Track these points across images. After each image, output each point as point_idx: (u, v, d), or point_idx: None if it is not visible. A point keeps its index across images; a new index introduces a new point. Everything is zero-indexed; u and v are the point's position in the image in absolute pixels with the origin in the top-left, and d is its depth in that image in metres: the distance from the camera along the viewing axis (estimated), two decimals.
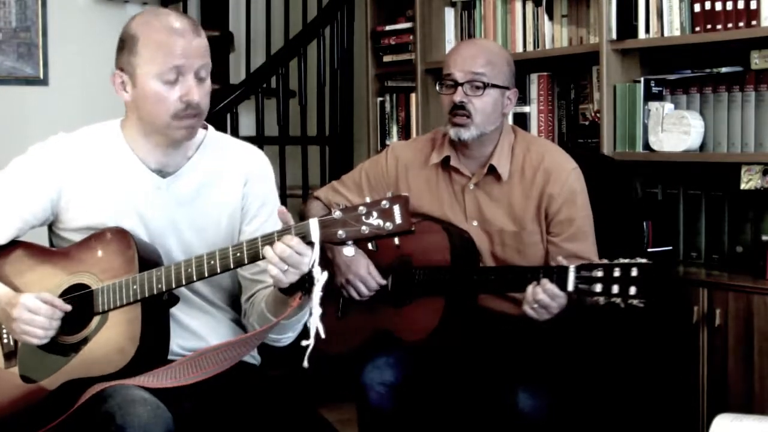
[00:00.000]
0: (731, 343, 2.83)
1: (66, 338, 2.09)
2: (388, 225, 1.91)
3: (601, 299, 2.30)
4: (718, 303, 2.85)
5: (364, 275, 2.65)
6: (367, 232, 1.92)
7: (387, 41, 4.13)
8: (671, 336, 2.95)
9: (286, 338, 2.24)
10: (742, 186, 2.95)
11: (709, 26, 3.03)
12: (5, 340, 2.16)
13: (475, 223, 2.68)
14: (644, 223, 3.20)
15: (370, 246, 2.03)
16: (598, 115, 3.34)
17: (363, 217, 1.91)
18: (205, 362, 2.04)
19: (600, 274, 2.30)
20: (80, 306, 2.09)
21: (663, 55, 3.27)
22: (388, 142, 4.15)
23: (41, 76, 4.47)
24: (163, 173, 2.19)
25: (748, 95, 2.97)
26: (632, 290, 2.25)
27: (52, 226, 2.24)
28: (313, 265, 1.95)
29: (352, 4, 4.40)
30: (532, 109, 3.60)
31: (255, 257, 2.00)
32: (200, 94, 2.10)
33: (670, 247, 2.48)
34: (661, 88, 3.19)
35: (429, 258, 2.61)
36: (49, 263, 2.18)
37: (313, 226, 1.94)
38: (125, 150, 2.19)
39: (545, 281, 2.37)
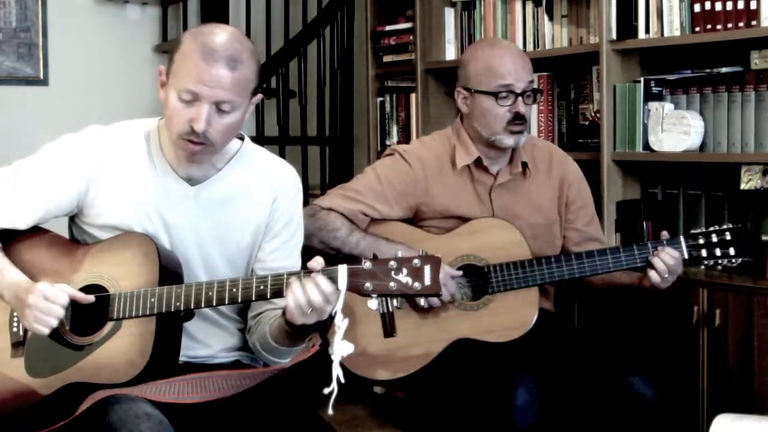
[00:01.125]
0: (731, 343, 2.83)
1: (76, 338, 2.07)
2: (417, 285, 1.89)
3: (710, 262, 2.58)
4: (718, 303, 2.85)
5: (444, 277, 2.51)
6: (394, 289, 1.89)
7: (387, 41, 4.13)
8: (671, 336, 2.96)
9: (283, 361, 2.21)
10: (742, 186, 2.95)
11: (709, 26, 3.03)
12: (14, 329, 2.13)
13: None
14: (644, 223, 3.20)
15: (395, 303, 2.00)
16: (598, 115, 3.34)
17: (393, 272, 1.89)
18: (210, 385, 2.01)
19: (702, 240, 2.57)
20: (96, 308, 2.06)
21: (663, 55, 3.27)
22: (388, 142, 4.15)
23: (41, 76, 4.47)
24: (192, 181, 2.16)
25: (748, 95, 2.97)
26: (731, 251, 2.55)
27: (74, 218, 2.20)
28: (335, 313, 1.92)
29: (352, 4, 4.41)
30: (532, 109, 3.59)
31: (278, 294, 1.98)
32: (212, 125, 2.02)
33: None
34: (661, 88, 3.19)
35: (502, 254, 2.58)
36: (69, 257, 2.14)
37: (342, 273, 1.92)
38: (158, 153, 2.16)
39: (669, 248, 2.54)
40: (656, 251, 2.53)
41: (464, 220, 2.66)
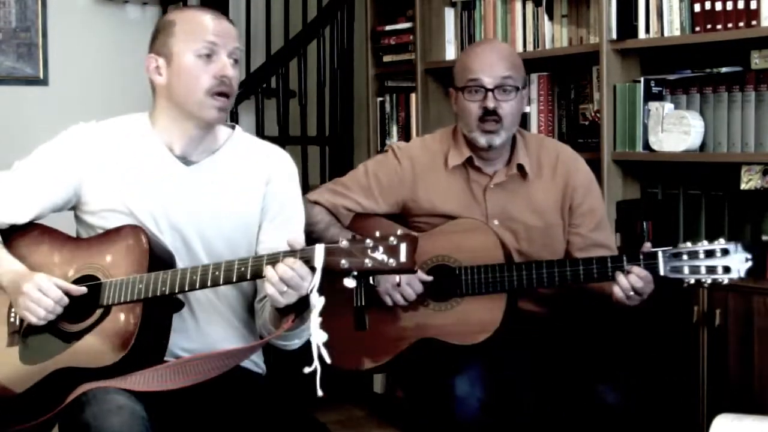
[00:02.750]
0: (731, 343, 2.83)
1: (68, 326, 2.12)
2: (392, 262, 1.91)
3: (691, 280, 2.38)
4: (718, 303, 2.85)
5: (410, 278, 2.56)
6: (370, 265, 1.92)
7: (387, 41, 4.13)
8: (671, 336, 2.96)
9: (293, 344, 2.23)
10: (742, 186, 2.95)
11: (709, 26, 3.03)
12: (11, 319, 2.19)
13: (496, 222, 2.67)
14: (644, 223, 3.20)
15: (371, 280, 2.03)
16: (598, 115, 3.34)
17: (369, 251, 1.92)
18: (192, 369, 2.04)
19: (686, 257, 2.37)
20: (88, 297, 2.12)
21: (663, 55, 3.26)
22: (388, 142, 4.15)
23: (41, 76, 4.47)
24: (187, 161, 2.23)
25: (748, 95, 2.97)
26: (719, 270, 2.35)
27: (76, 211, 2.28)
28: (311, 291, 1.95)
29: (352, 4, 4.41)
30: (532, 109, 3.60)
31: (257, 274, 2.01)
32: (233, 72, 2.18)
33: (671, 247, 2.49)
34: (661, 88, 3.19)
35: (475, 256, 2.57)
36: (64, 251, 2.21)
37: (319, 251, 1.95)
38: (152, 136, 2.24)
39: (637, 268, 2.40)
40: (628, 267, 2.41)
41: (453, 218, 2.66)
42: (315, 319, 1.95)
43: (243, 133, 2.34)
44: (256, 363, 2.31)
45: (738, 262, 2.34)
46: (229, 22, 2.23)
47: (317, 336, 1.95)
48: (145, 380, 2.01)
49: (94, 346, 2.07)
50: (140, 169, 2.21)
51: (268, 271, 1.97)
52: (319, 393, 1.95)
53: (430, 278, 2.59)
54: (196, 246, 2.21)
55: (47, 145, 2.27)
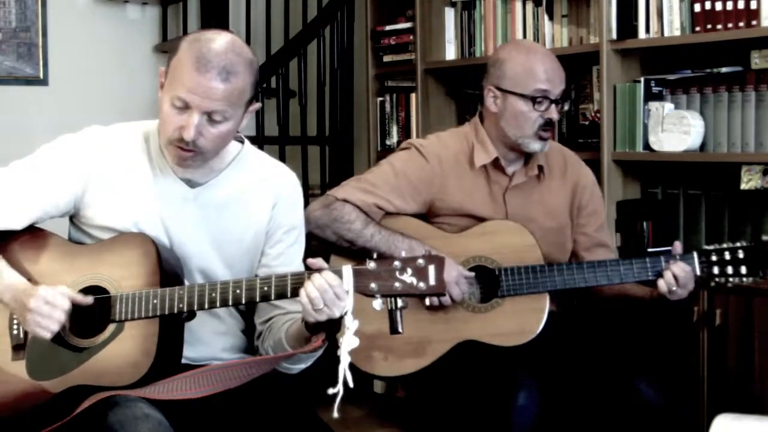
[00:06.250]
0: (731, 343, 2.83)
1: (78, 340, 2.06)
2: (422, 285, 1.90)
3: (721, 280, 2.51)
4: (718, 303, 2.85)
5: (458, 274, 2.53)
6: (399, 289, 1.90)
7: (387, 41, 4.13)
8: (671, 336, 2.95)
9: (297, 368, 2.21)
10: (742, 186, 2.95)
11: (709, 26, 3.03)
12: (14, 332, 2.11)
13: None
14: (644, 223, 3.20)
15: (400, 302, 2.02)
16: (598, 115, 3.34)
17: (397, 272, 1.90)
18: (215, 378, 2.01)
19: (715, 258, 2.50)
20: (97, 310, 2.05)
21: (663, 55, 3.26)
22: (388, 142, 4.15)
23: (41, 76, 4.47)
24: (191, 183, 2.14)
25: (748, 95, 2.97)
26: (743, 269, 2.48)
27: (73, 218, 2.19)
28: (345, 313, 1.92)
29: (352, 4, 4.40)
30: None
31: (282, 295, 1.98)
32: (202, 134, 2.01)
33: (670, 248, 2.51)
34: (661, 88, 3.19)
35: (514, 257, 2.56)
36: (68, 258, 2.12)
37: (347, 274, 1.92)
38: (157, 154, 2.14)
39: (681, 263, 2.48)
40: (668, 264, 2.49)
41: (477, 219, 2.65)
42: (347, 341, 1.91)
43: (251, 149, 2.24)
44: None
45: (762, 262, 2.45)
46: (222, 77, 1.97)
47: (346, 359, 1.91)
48: (166, 389, 1.97)
49: (111, 364, 2.02)
50: (144, 188, 2.12)
51: (308, 286, 1.92)
52: (336, 415, 1.92)
53: (472, 274, 2.56)
54: (194, 269, 2.15)
55: (51, 147, 2.15)
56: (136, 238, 2.08)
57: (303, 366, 2.20)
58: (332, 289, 1.91)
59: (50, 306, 1.98)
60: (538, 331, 2.52)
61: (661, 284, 2.48)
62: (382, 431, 3.59)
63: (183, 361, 2.11)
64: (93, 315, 2.05)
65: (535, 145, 2.64)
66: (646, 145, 3.19)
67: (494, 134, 2.69)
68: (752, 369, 2.78)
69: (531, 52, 2.71)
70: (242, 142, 2.24)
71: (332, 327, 1.97)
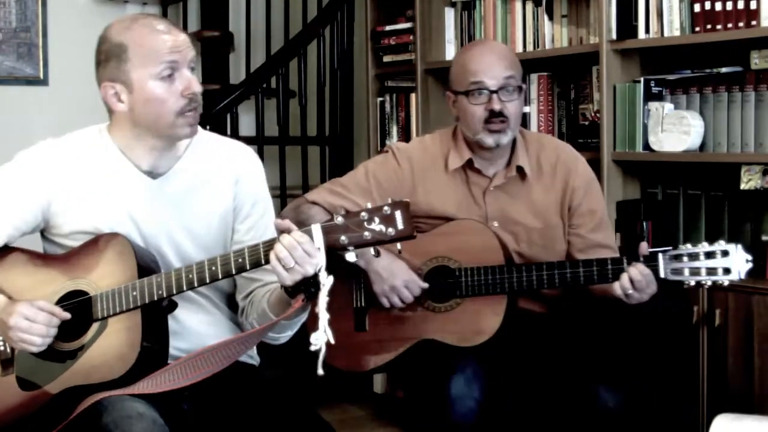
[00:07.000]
0: (731, 343, 2.83)
1: (64, 345, 2.08)
2: (391, 231, 1.92)
3: (692, 282, 2.38)
4: (718, 303, 2.85)
5: (408, 279, 2.57)
6: (369, 237, 1.92)
7: (387, 41, 4.13)
8: (671, 336, 2.96)
9: (284, 336, 2.24)
10: (742, 186, 2.95)
11: (709, 26, 3.03)
12: (1, 348, 2.14)
13: (495, 224, 2.66)
14: (644, 223, 3.21)
15: (372, 252, 2.05)
16: (598, 115, 3.34)
17: (365, 223, 1.92)
18: (203, 362, 2.03)
19: (686, 259, 2.38)
20: (78, 313, 2.08)
21: (663, 55, 3.27)
22: (387, 142, 4.15)
23: (41, 76, 4.48)
24: (153, 174, 2.18)
25: (748, 95, 2.97)
26: (720, 271, 2.35)
27: (44, 233, 2.23)
28: (319, 270, 1.95)
29: (352, 4, 4.41)
30: (532, 109, 3.60)
31: (257, 263, 2.00)
32: (198, 87, 2.11)
33: (670, 248, 2.49)
34: (661, 88, 3.19)
35: (475, 258, 2.56)
36: (44, 269, 2.16)
37: (316, 231, 1.94)
38: (115, 153, 2.18)
39: (640, 265, 2.39)
40: (628, 266, 2.41)
41: (451, 220, 2.66)
42: (324, 297, 1.94)
43: (205, 132, 2.28)
44: (250, 355, 2.31)
45: (738, 264, 2.33)
46: (177, 29, 2.14)
47: (324, 315, 1.93)
48: (155, 383, 1.99)
49: (100, 360, 2.04)
50: (107, 188, 2.16)
51: (276, 247, 1.94)
52: (320, 371, 1.94)
53: (426, 285, 2.58)
54: (171, 258, 2.17)
55: (9, 167, 2.19)
56: (108, 237, 2.12)
57: (290, 333, 2.22)
58: (301, 246, 1.93)
59: (29, 321, 2.02)
60: (493, 333, 2.51)
61: (616, 287, 2.41)
62: (382, 431, 3.59)
63: (175, 353, 2.13)
64: (77, 318, 2.08)
65: (488, 140, 2.61)
66: (646, 145, 3.19)
67: (464, 136, 2.70)
68: (752, 369, 2.79)
69: (469, 49, 2.76)
70: None
71: (310, 287, 1.98)
